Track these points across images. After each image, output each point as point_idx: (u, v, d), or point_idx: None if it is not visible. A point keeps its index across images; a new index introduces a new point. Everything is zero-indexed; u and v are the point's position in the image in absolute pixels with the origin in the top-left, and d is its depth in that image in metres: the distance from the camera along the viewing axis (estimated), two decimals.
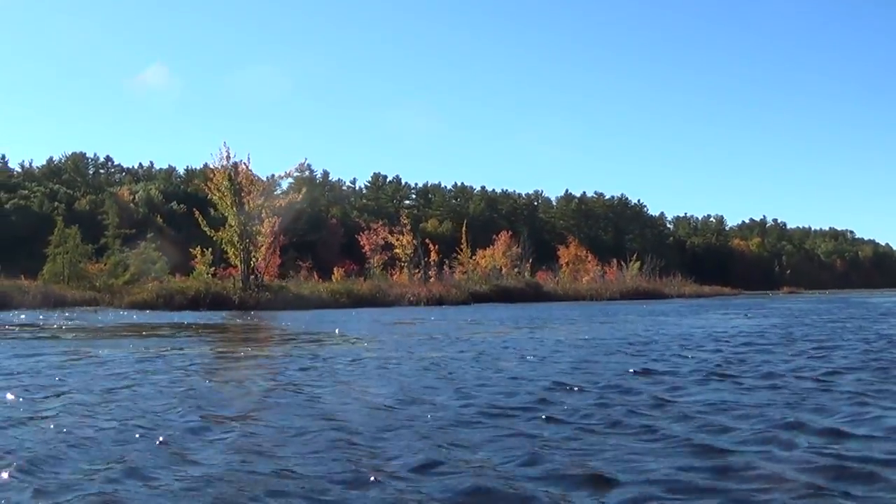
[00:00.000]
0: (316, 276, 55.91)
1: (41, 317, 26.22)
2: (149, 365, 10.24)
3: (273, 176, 40.28)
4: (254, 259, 36.45)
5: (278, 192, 40.88)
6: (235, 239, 36.11)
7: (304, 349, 12.71)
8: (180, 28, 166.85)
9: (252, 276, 36.23)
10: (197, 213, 37.80)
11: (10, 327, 19.61)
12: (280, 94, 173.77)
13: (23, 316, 27.08)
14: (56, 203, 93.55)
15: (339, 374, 9.29)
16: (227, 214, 36.41)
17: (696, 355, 11.36)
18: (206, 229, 37.06)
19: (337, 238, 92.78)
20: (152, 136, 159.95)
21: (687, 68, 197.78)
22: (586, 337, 15.60)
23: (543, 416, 6.14)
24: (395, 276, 56.43)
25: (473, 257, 63.45)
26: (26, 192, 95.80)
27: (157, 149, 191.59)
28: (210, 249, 55.49)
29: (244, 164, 36.72)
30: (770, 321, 22.70)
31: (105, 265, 49.20)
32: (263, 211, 36.65)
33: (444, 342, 14.37)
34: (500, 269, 63.17)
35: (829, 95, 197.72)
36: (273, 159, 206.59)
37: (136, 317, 27.04)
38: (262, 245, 36.71)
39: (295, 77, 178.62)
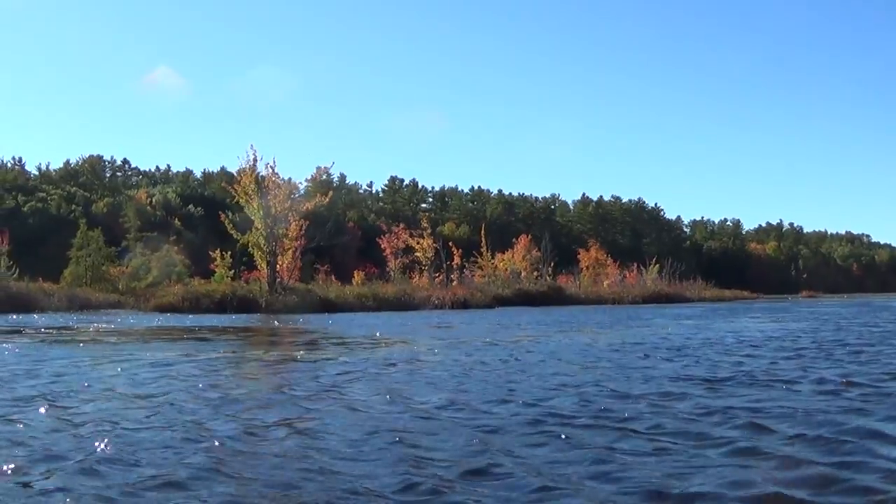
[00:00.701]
0: (333, 280, 55.79)
1: (74, 320, 26.19)
2: (207, 369, 10.08)
3: (290, 179, 40.30)
4: (280, 262, 36.29)
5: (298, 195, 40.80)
6: (262, 242, 35.98)
7: (355, 353, 12.55)
8: (193, 31, 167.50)
9: (278, 280, 36.06)
10: (223, 216, 37.64)
11: (47, 330, 19.47)
12: (292, 96, 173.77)
13: (59, 318, 27.02)
14: (73, 206, 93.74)
15: (401, 378, 9.18)
16: (253, 217, 36.25)
17: (743, 359, 11.16)
18: (232, 232, 36.95)
19: (354, 241, 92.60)
20: (167, 138, 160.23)
21: (704, 72, 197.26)
22: (621, 341, 15.29)
23: (613, 426, 5.90)
24: (414, 280, 56.24)
25: (492, 261, 63.25)
26: (43, 194, 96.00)
27: (173, 151, 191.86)
28: (230, 252, 55.54)
29: (270, 166, 36.63)
30: (802, 325, 22.45)
31: (126, 268, 49.20)
32: (290, 214, 36.47)
33: (488, 346, 14.26)
34: (520, 273, 63.01)
35: (847, 99, 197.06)
36: (286, 162, 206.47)
37: (167, 320, 26.90)
38: (289, 248, 36.57)
39: (306, 79, 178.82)
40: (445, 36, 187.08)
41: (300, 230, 37.05)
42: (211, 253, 55.89)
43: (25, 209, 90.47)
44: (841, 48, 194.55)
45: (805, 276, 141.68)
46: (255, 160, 36.23)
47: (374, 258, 64.18)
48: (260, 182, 36.00)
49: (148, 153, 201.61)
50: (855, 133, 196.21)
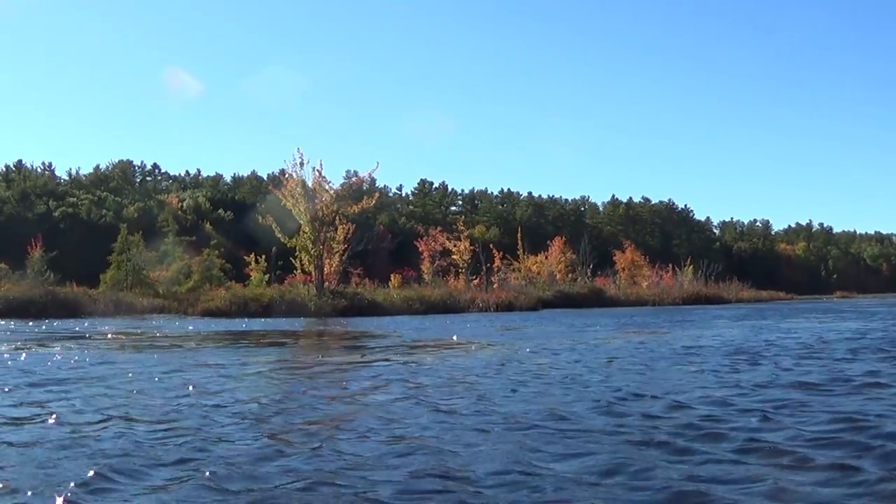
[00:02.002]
0: (366, 283, 55.48)
1: (132, 325, 26.07)
2: (308, 374, 9.80)
3: (326, 184, 39.90)
4: (327, 266, 36.03)
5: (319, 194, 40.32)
6: (309, 245, 35.72)
7: (449, 356, 12.22)
8: (209, 33, 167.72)
9: (326, 283, 35.80)
10: (271, 221, 37.36)
11: (116, 336, 19.25)
12: (308, 97, 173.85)
13: (115, 323, 26.87)
14: (104, 210, 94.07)
15: (539, 386, 8.85)
16: (300, 220, 35.99)
17: (827, 363, 10.73)
18: (279, 236, 36.75)
19: (387, 245, 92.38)
20: (194, 143, 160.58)
21: (732, 73, 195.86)
22: (689, 344, 14.81)
23: (749, 440, 5.36)
24: (449, 283, 55.79)
25: (519, 262, 62.74)
26: (74, 199, 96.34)
27: (201, 156, 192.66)
28: (264, 256, 55.38)
29: (317, 170, 36.38)
30: (868, 324, 21.99)
31: (167, 272, 49.12)
32: (337, 217, 36.22)
33: (565, 348, 13.95)
34: (556, 275, 62.57)
35: (874, 100, 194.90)
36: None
37: (226, 325, 26.73)
38: (336, 251, 36.31)
39: (329, 80, 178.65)
40: (460, 36, 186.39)
41: (347, 233, 36.78)
42: (245, 257, 55.83)
43: (56, 214, 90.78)
44: (872, 47, 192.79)
45: (835, 276, 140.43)
46: (301, 163, 35.97)
47: (406, 261, 63.80)
48: (306, 185, 35.70)
49: (174, 157, 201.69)
50: (884, 133, 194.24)
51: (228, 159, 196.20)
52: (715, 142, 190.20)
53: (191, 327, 25.51)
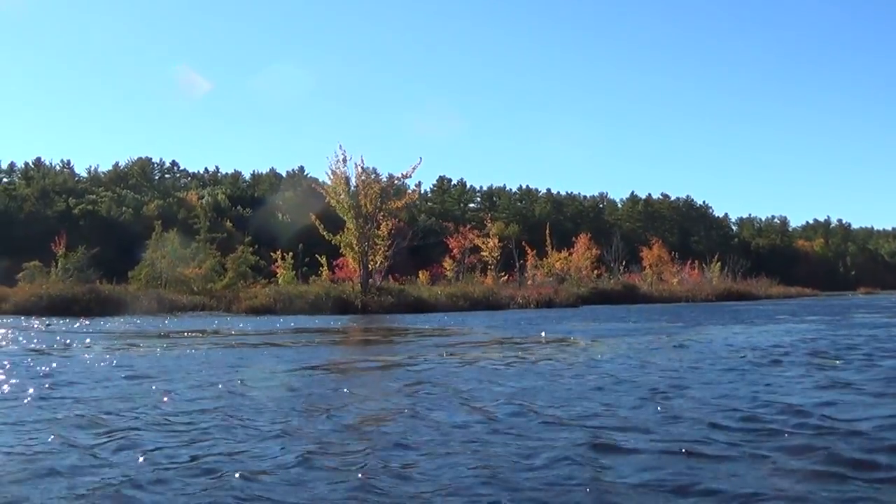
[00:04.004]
0: (391, 279, 55.04)
1: (188, 323, 25.91)
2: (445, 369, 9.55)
3: (370, 178, 39.53)
4: (371, 262, 35.74)
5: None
6: (353, 242, 35.45)
7: (567, 352, 11.94)
8: (218, 33, 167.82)
9: (370, 280, 35.55)
10: (315, 217, 37.11)
11: (191, 334, 19.02)
12: (321, 98, 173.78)
13: (168, 321, 26.70)
14: (124, 208, 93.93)
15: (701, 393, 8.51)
16: (344, 217, 35.72)
17: None
18: (324, 233, 36.51)
19: (409, 241, 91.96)
20: (210, 140, 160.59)
21: (749, 70, 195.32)
22: (765, 344, 14.29)
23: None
24: (477, 279, 55.37)
25: (544, 259, 62.32)
26: (94, 196, 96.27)
27: (217, 153, 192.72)
28: (291, 254, 55.08)
29: (360, 165, 36.10)
30: None
31: (199, 269, 48.76)
32: (381, 213, 35.95)
33: (680, 345, 13.59)
34: (581, 272, 62.14)
35: (894, 96, 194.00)
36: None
37: (284, 323, 26.52)
38: (381, 248, 36.04)
39: (337, 81, 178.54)
40: (474, 31, 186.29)
41: (390, 229, 36.53)
42: (273, 254, 55.57)
43: (76, 211, 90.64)
44: (892, 43, 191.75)
45: (853, 273, 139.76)
46: (344, 159, 35.68)
47: (426, 258, 63.32)
48: (350, 181, 35.45)
49: (191, 154, 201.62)
50: None
51: (243, 156, 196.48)
52: (732, 138, 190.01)
53: (241, 324, 25.26)
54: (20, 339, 16.50)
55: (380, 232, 36.24)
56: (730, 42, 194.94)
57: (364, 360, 11.40)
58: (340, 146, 36.32)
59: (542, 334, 16.99)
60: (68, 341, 15.52)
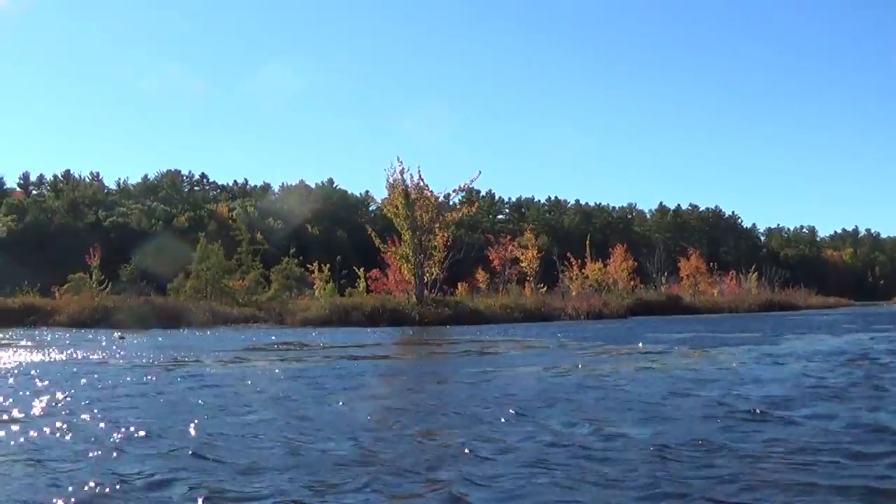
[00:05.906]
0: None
1: (279, 334, 25.94)
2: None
3: (427, 191, 39.46)
4: (428, 274, 35.70)
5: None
6: (410, 254, 35.44)
7: (706, 361, 11.80)
8: (214, 35, 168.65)
9: (427, 292, 35.50)
10: (370, 230, 37.13)
11: (283, 347, 18.97)
12: (322, 102, 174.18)
13: (229, 334, 26.76)
14: (154, 220, 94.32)
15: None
16: (402, 230, 35.74)
17: None
18: (380, 247, 36.63)
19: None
20: (245, 152, 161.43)
21: (776, 80, 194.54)
22: (853, 355, 14.13)
23: None
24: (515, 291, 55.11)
25: (583, 270, 61.98)
26: (124, 209, 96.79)
27: (249, 165, 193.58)
28: (328, 266, 55.05)
29: (416, 179, 36.11)
30: None
31: (243, 281, 48.82)
32: (437, 225, 35.92)
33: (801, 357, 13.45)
34: (617, 283, 61.80)
35: None
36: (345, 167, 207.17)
37: (348, 336, 26.56)
38: (437, 259, 36.00)
39: (349, 85, 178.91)
40: (492, 38, 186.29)
41: (445, 241, 36.50)
42: (309, 266, 55.51)
43: (106, 224, 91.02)
44: None
45: (882, 282, 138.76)
46: (401, 172, 35.70)
47: (459, 270, 63.05)
48: (408, 194, 35.41)
49: (221, 166, 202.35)
50: None
51: (271, 169, 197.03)
52: (760, 148, 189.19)
53: (312, 333, 25.22)
54: (117, 353, 16.45)
55: (436, 243, 36.21)
56: (756, 53, 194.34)
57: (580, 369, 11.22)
58: (399, 158, 36.41)
59: (640, 344, 16.86)
60: (183, 355, 15.39)
